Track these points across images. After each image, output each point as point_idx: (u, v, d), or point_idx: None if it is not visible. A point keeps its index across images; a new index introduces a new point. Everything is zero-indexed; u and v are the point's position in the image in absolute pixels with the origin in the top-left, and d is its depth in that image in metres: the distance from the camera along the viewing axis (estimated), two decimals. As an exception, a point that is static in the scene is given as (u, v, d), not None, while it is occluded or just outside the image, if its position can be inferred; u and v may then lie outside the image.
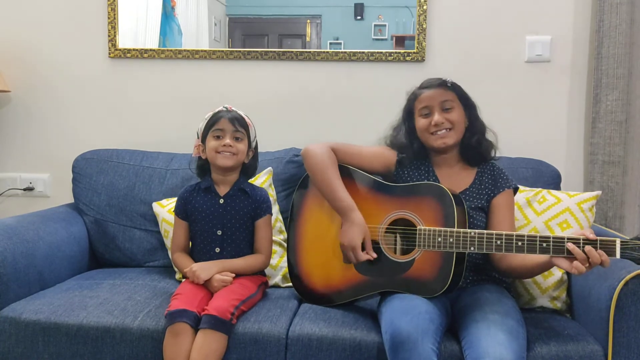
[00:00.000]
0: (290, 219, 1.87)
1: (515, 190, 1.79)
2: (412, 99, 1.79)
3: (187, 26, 2.47)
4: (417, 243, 1.61)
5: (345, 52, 2.37)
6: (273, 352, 1.59)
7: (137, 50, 2.42)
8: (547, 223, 1.89)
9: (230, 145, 1.80)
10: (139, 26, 2.46)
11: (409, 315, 1.47)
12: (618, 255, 1.40)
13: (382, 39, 2.39)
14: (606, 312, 1.53)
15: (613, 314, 1.52)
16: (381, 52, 2.35)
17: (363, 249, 1.66)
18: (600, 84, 2.22)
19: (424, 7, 2.31)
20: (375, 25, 2.39)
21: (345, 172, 1.79)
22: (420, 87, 1.79)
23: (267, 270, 1.94)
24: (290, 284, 1.88)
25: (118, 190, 2.19)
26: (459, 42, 2.33)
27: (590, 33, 2.29)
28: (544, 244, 1.46)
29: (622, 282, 1.51)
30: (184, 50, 2.42)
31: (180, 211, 1.87)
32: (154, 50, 2.43)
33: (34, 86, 2.47)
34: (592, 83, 2.25)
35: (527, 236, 1.48)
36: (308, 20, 2.43)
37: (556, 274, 1.82)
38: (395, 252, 1.69)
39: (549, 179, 2.11)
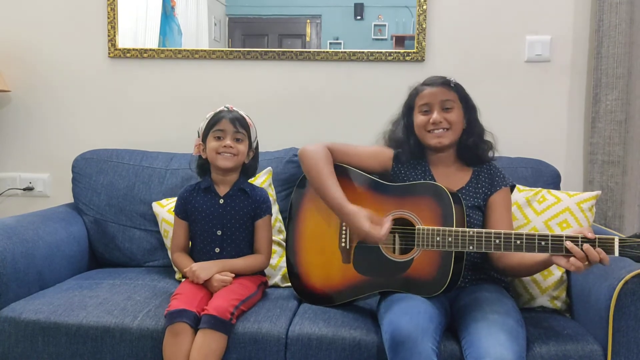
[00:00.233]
0: (289, 219, 1.86)
1: (512, 188, 1.79)
2: (414, 94, 1.78)
3: (187, 26, 2.47)
4: (415, 243, 1.61)
5: (345, 52, 2.37)
6: (273, 351, 1.59)
7: (136, 50, 2.42)
8: (547, 223, 1.88)
9: (231, 147, 1.79)
10: (138, 26, 2.46)
11: (409, 315, 1.47)
12: (617, 253, 1.40)
13: (382, 39, 2.38)
14: (606, 311, 1.53)
15: (613, 314, 1.52)
16: (381, 52, 2.35)
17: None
18: (600, 83, 2.22)
19: (424, 7, 2.31)
20: (375, 25, 2.39)
21: (343, 171, 1.79)
22: (423, 83, 1.78)
23: (267, 270, 1.94)
24: (290, 283, 1.88)
25: (118, 190, 2.19)
26: (458, 42, 2.33)
27: (590, 33, 2.29)
28: (543, 243, 1.46)
29: (622, 282, 1.51)
30: (184, 50, 2.42)
31: (180, 211, 1.87)
32: (153, 50, 2.43)
33: (34, 86, 2.47)
34: (592, 83, 2.25)
35: (526, 235, 1.48)
36: (308, 20, 2.43)
37: (556, 273, 1.82)
38: (394, 252, 1.69)
39: (549, 178, 2.11)
